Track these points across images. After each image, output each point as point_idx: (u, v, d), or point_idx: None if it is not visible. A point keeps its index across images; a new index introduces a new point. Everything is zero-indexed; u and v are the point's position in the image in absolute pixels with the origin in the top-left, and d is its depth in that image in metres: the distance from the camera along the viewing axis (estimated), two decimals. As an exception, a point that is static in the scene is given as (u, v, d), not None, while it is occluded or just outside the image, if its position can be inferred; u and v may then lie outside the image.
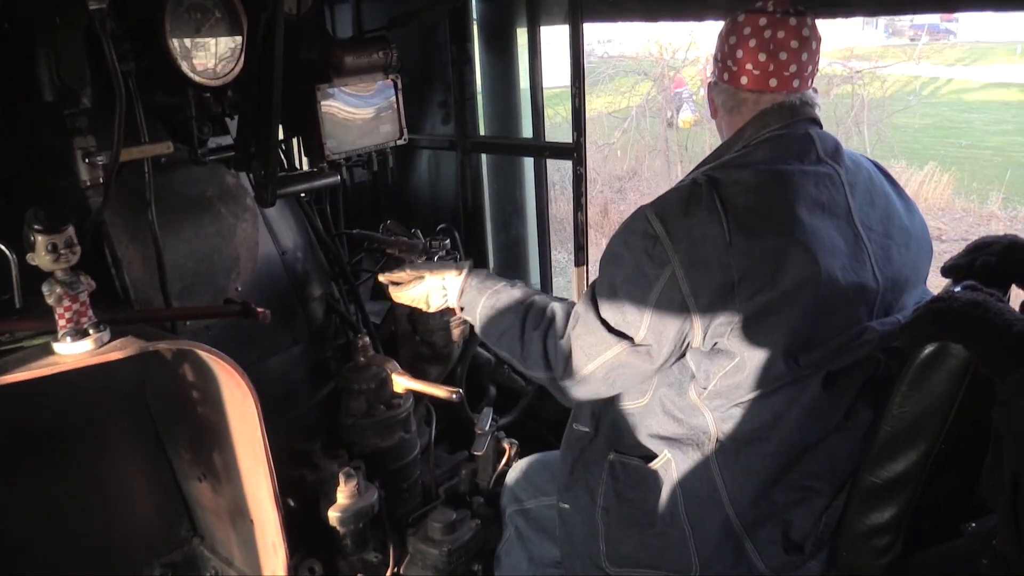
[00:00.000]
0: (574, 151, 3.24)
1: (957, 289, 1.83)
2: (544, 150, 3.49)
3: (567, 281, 3.85)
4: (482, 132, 3.75)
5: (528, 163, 3.76)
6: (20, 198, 2.17)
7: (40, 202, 1.74)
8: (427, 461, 2.91)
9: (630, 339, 1.98)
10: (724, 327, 1.90)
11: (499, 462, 3.01)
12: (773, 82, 2.01)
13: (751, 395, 1.96)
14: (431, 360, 3.09)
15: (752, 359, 1.91)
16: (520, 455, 2.98)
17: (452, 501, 2.97)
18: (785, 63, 1.99)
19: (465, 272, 2.37)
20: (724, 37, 2.07)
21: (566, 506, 2.30)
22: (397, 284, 2.54)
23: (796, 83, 2.02)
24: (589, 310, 2.04)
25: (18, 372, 1.68)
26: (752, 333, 1.89)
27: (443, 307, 2.51)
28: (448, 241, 2.93)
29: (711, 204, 1.89)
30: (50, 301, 1.72)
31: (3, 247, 1.74)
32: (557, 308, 2.15)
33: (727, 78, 2.08)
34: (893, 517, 1.91)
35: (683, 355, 2.03)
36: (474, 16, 3.61)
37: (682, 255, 1.88)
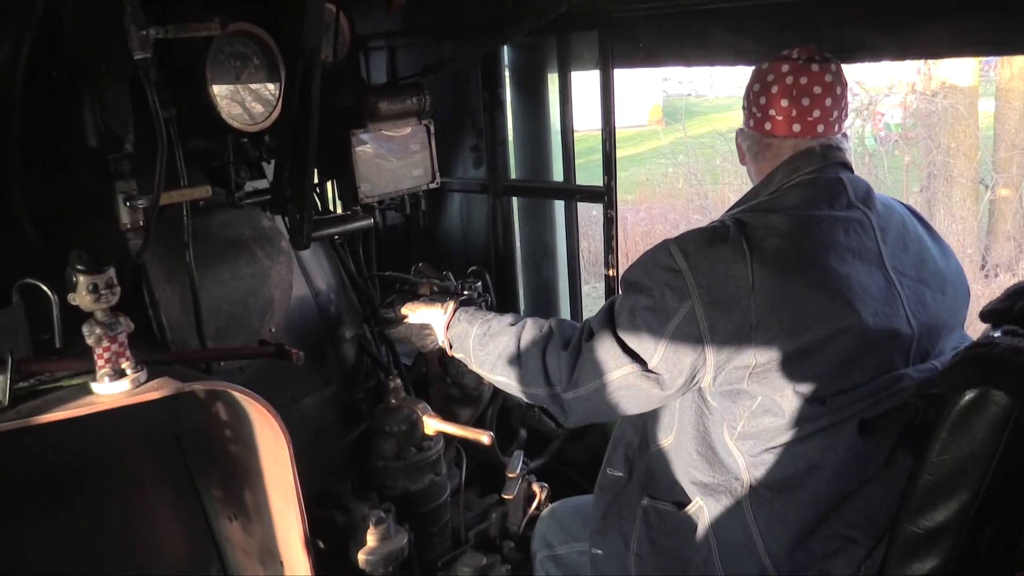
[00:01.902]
0: (604, 195, 3.26)
1: (997, 334, 1.80)
2: (575, 193, 3.51)
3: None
4: (513, 176, 3.78)
5: (559, 206, 3.78)
6: (60, 240, 2.22)
7: (80, 244, 1.78)
8: (457, 504, 2.89)
9: (643, 363, 1.98)
10: (741, 371, 1.90)
11: (530, 506, 2.97)
12: (796, 127, 2.04)
13: (783, 440, 1.94)
14: (462, 402, 3.08)
15: (774, 401, 1.89)
16: (551, 499, 2.95)
17: (482, 545, 2.94)
18: (808, 108, 2.03)
19: (452, 307, 2.46)
20: (750, 84, 2.12)
21: (599, 552, 2.27)
22: (389, 322, 2.63)
23: (821, 128, 2.04)
24: (605, 326, 2.05)
25: (57, 411, 1.70)
26: (771, 378, 1.88)
27: (433, 348, 2.57)
28: (479, 284, 2.94)
29: (737, 245, 1.89)
30: (90, 342, 1.74)
31: (45, 287, 1.77)
32: (554, 323, 2.21)
33: (752, 124, 2.12)
34: (935, 568, 1.86)
35: (693, 387, 2.02)
36: (505, 62, 3.66)
37: (703, 292, 1.89)
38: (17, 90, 2.00)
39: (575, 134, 3.56)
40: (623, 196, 15.37)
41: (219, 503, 2.46)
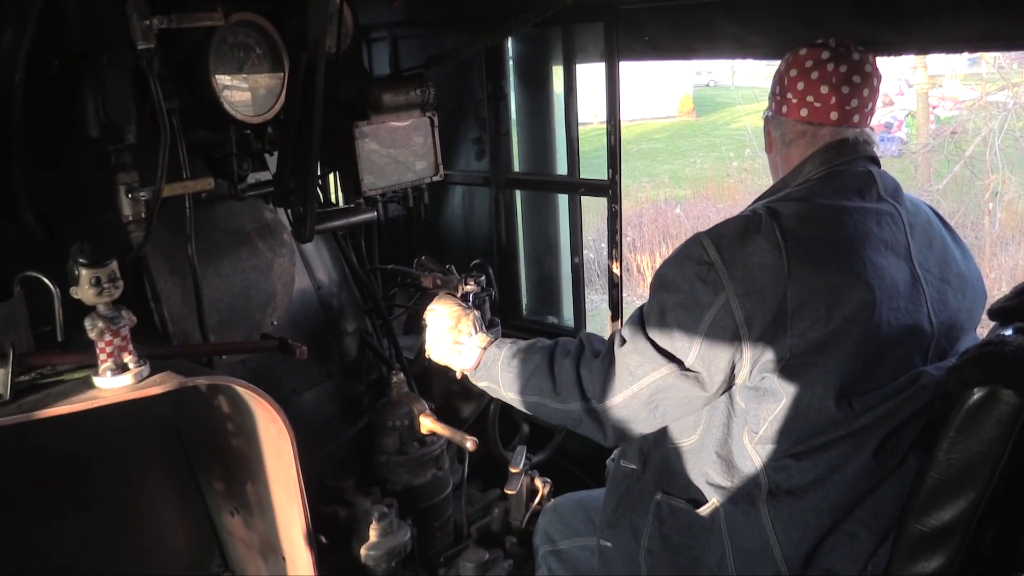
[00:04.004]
0: (609, 188, 3.24)
1: (1007, 332, 1.79)
2: (579, 187, 3.49)
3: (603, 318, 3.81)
4: (516, 168, 3.76)
5: (563, 200, 3.75)
6: (62, 232, 2.20)
7: (82, 236, 1.76)
8: (460, 499, 2.88)
9: (679, 362, 1.92)
10: (774, 363, 1.86)
11: (532, 501, 2.97)
12: (834, 115, 2.02)
13: (805, 446, 1.91)
14: (463, 397, 3.07)
15: (801, 400, 1.86)
16: (553, 494, 2.94)
17: (484, 540, 2.94)
18: (847, 97, 2.00)
19: (491, 337, 2.28)
20: (784, 71, 2.09)
21: (608, 544, 2.24)
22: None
23: (856, 118, 2.03)
24: (637, 330, 1.98)
25: (59, 406, 1.69)
26: (802, 372, 1.85)
27: (451, 362, 2.30)
28: (483, 277, 2.92)
29: (771, 234, 1.86)
30: (92, 335, 1.73)
31: (46, 280, 1.75)
32: (586, 336, 2.12)
33: (785, 111, 2.09)
34: (941, 567, 1.85)
35: (731, 386, 1.97)
36: (510, 54, 3.64)
37: (737, 283, 1.85)
38: (19, 79, 1.98)
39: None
40: (678, 191, 15.12)
41: (221, 497, 2.45)
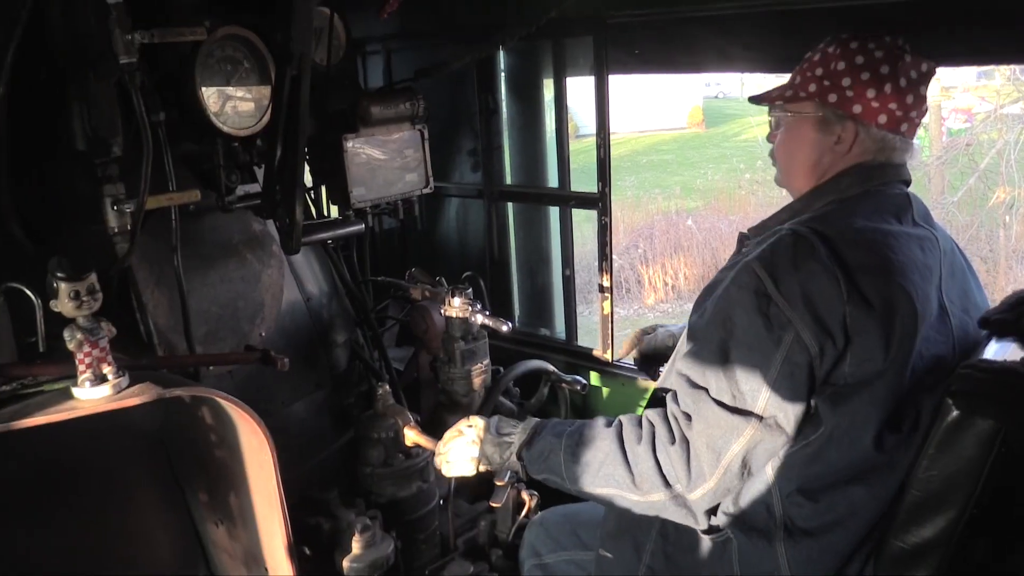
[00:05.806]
0: (599, 201, 3.25)
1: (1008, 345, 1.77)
2: (570, 199, 3.50)
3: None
4: (508, 181, 3.77)
5: (555, 212, 3.76)
6: (49, 244, 2.21)
7: (68, 248, 1.78)
8: (445, 512, 2.87)
9: (757, 416, 1.77)
10: (826, 387, 1.77)
11: (519, 514, 2.95)
12: (904, 127, 1.90)
13: (819, 483, 1.82)
14: (451, 408, 3.06)
15: (839, 430, 1.77)
16: (540, 507, 2.93)
17: (470, 553, 2.92)
18: (916, 105, 1.90)
19: (532, 422, 2.12)
20: (875, 63, 1.87)
21: (608, 555, 2.15)
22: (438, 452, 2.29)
23: (904, 127, 1.91)
24: (700, 397, 1.82)
25: (38, 416, 1.70)
26: (849, 400, 1.76)
27: (502, 464, 2.15)
28: (470, 290, 2.93)
29: (822, 259, 1.75)
30: (71, 347, 1.74)
31: (28, 292, 1.76)
32: (652, 415, 1.92)
33: (861, 111, 1.89)
34: (923, 584, 1.84)
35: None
36: (501, 67, 3.65)
37: (801, 313, 1.72)
38: (3, 91, 1.99)
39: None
40: (690, 203, 15.06)
41: (205, 507, 2.46)
